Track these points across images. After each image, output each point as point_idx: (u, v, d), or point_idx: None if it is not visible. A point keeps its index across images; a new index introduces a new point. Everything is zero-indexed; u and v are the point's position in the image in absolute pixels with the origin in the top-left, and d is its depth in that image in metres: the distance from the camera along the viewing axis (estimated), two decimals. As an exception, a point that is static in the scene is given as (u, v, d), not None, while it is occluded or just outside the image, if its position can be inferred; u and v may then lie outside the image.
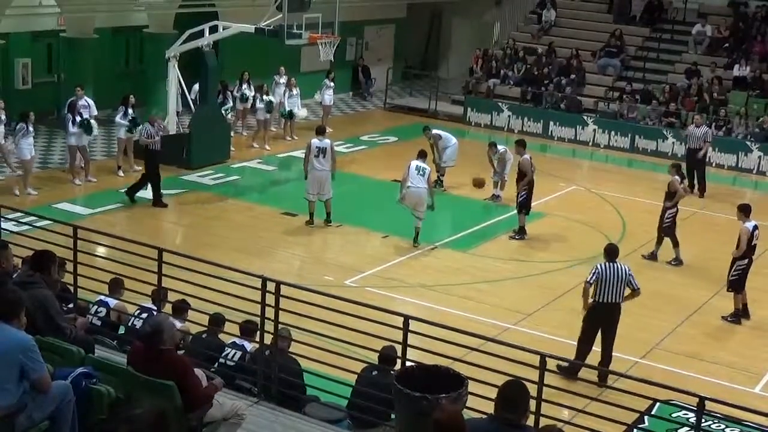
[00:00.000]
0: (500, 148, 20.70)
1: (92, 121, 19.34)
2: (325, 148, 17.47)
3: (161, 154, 18.81)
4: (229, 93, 23.10)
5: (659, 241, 17.01)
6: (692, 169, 21.99)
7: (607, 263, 12.00)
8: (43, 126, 23.54)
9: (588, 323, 12.08)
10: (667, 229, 16.93)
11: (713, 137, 22.87)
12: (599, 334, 12.12)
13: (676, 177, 16.88)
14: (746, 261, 14.58)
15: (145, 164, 18.78)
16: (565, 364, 11.06)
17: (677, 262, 16.94)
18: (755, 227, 14.59)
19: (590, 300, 12.01)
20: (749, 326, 14.60)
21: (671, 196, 16.82)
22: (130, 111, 20.08)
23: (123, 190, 19.02)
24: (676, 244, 16.94)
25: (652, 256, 17.00)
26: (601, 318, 12.03)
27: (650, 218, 18.93)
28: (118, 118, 20.25)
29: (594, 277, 11.90)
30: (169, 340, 7.06)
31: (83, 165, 19.75)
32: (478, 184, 19.90)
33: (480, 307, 14.48)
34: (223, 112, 22.37)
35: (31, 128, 18.26)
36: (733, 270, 14.62)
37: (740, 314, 14.68)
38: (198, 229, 17.81)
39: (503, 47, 30.50)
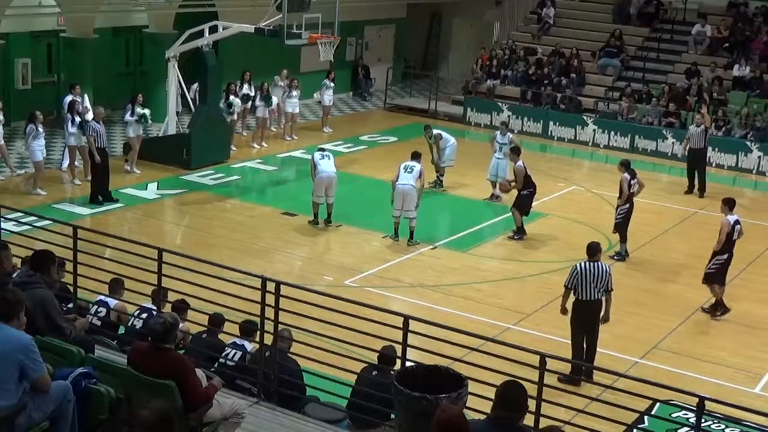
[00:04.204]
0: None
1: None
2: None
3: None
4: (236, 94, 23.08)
5: (622, 239, 17.09)
6: (693, 169, 22.01)
7: (586, 262, 12.05)
8: (43, 126, 23.55)
9: (574, 321, 12.19)
10: (617, 225, 17.00)
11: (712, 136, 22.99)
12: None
13: (626, 174, 16.89)
14: (725, 256, 14.63)
15: (97, 165, 18.28)
16: (567, 372, 11.34)
17: (619, 257, 16.98)
18: (737, 221, 14.65)
19: (571, 299, 12.18)
20: (749, 326, 14.59)
21: (621, 193, 16.90)
22: (138, 109, 20.09)
23: (124, 190, 19.09)
24: (623, 239, 17.03)
25: (620, 255, 17.02)
26: (583, 314, 12.11)
27: (650, 218, 19.02)
28: (127, 117, 20.28)
29: (573, 280, 11.98)
30: (173, 339, 7.10)
31: (82, 165, 19.75)
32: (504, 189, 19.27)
33: (480, 307, 14.49)
34: (228, 114, 22.45)
35: (40, 129, 18.31)
36: (711, 263, 14.70)
37: (720, 306, 14.75)
38: (198, 229, 17.81)
39: (503, 47, 30.50)
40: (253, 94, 23.70)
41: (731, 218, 14.60)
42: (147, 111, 20.33)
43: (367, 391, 8.79)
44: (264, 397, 8.87)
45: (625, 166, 17.09)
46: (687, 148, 22.05)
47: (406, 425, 6.86)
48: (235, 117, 23.10)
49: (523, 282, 15.86)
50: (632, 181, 16.86)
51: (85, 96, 20.32)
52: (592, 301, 12.07)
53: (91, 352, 7.85)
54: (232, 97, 22.53)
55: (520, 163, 17.81)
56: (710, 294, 14.91)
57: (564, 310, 12.21)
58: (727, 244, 14.61)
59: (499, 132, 20.61)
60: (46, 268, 8.27)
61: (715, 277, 14.67)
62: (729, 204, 14.82)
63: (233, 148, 22.84)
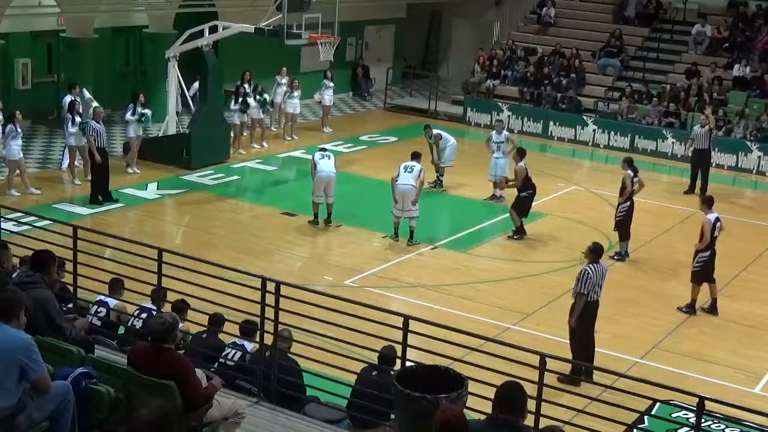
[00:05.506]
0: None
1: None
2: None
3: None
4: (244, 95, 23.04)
5: (622, 238, 17.07)
6: (697, 169, 21.96)
7: (593, 264, 12.02)
8: (44, 126, 23.58)
9: (578, 323, 12.12)
10: (618, 223, 17.01)
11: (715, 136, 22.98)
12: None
13: (628, 171, 16.91)
14: (708, 253, 14.72)
15: (97, 164, 18.20)
16: (567, 372, 11.38)
17: (620, 256, 16.98)
18: (717, 219, 14.76)
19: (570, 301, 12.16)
20: (749, 326, 14.60)
21: (623, 191, 16.89)
22: (139, 109, 20.07)
23: (124, 190, 19.10)
24: (623, 238, 17.03)
25: (620, 255, 17.01)
26: (588, 316, 12.10)
27: (650, 218, 19.00)
28: (128, 116, 20.25)
29: (588, 286, 11.92)
30: (173, 339, 7.10)
31: (82, 165, 19.73)
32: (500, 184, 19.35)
33: (480, 307, 14.49)
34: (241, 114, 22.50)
35: (19, 129, 18.23)
36: (695, 261, 14.78)
37: (692, 305, 14.80)
38: (198, 229, 17.81)
39: (503, 47, 30.49)
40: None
41: (711, 216, 14.75)
42: (149, 111, 20.31)
43: (367, 391, 8.79)
44: (264, 397, 8.87)
45: (629, 163, 17.13)
46: (692, 148, 22.05)
47: (406, 425, 6.86)
48: (245, 119, 23.10)
49: (523, 282, 15.86)
50: (634, 179, 16.89)
51: (85, 90, 20.30)
52: (594, 302, 12.08)
53: (91, 352, 7.85)
54: (249, 99, 22.55)
55: (522, 164, 17.81)
56: (709, 294, 14.91)
57: (574, 322, 12.05)
58: (709, 242, 14.72)
59: (494, 131, 20.63)
60: (46, 268, 8.28)
61: (702, 275, 14.76)
62: (708, 202, 15.03)
63: (242, 151, 22.84)
